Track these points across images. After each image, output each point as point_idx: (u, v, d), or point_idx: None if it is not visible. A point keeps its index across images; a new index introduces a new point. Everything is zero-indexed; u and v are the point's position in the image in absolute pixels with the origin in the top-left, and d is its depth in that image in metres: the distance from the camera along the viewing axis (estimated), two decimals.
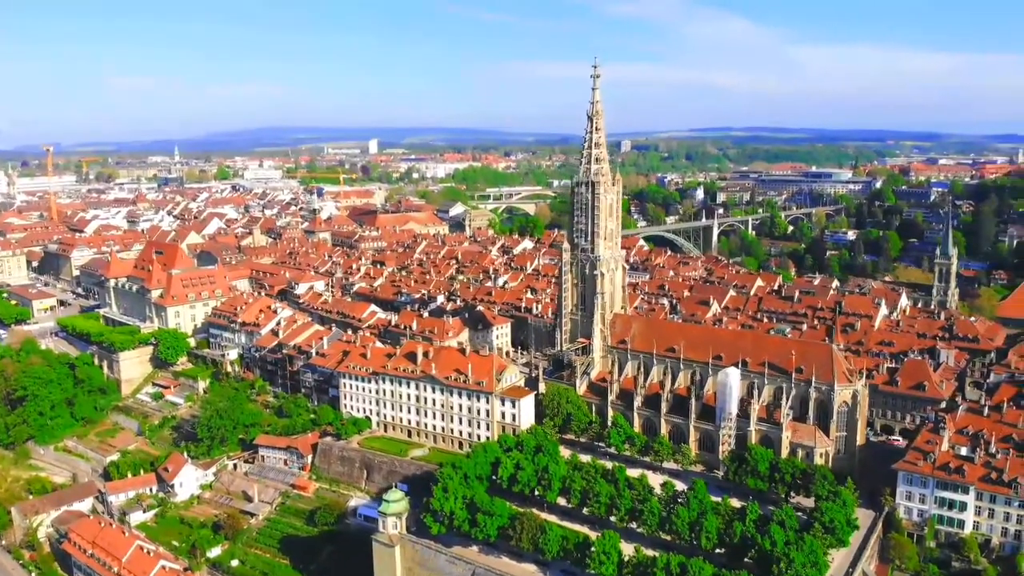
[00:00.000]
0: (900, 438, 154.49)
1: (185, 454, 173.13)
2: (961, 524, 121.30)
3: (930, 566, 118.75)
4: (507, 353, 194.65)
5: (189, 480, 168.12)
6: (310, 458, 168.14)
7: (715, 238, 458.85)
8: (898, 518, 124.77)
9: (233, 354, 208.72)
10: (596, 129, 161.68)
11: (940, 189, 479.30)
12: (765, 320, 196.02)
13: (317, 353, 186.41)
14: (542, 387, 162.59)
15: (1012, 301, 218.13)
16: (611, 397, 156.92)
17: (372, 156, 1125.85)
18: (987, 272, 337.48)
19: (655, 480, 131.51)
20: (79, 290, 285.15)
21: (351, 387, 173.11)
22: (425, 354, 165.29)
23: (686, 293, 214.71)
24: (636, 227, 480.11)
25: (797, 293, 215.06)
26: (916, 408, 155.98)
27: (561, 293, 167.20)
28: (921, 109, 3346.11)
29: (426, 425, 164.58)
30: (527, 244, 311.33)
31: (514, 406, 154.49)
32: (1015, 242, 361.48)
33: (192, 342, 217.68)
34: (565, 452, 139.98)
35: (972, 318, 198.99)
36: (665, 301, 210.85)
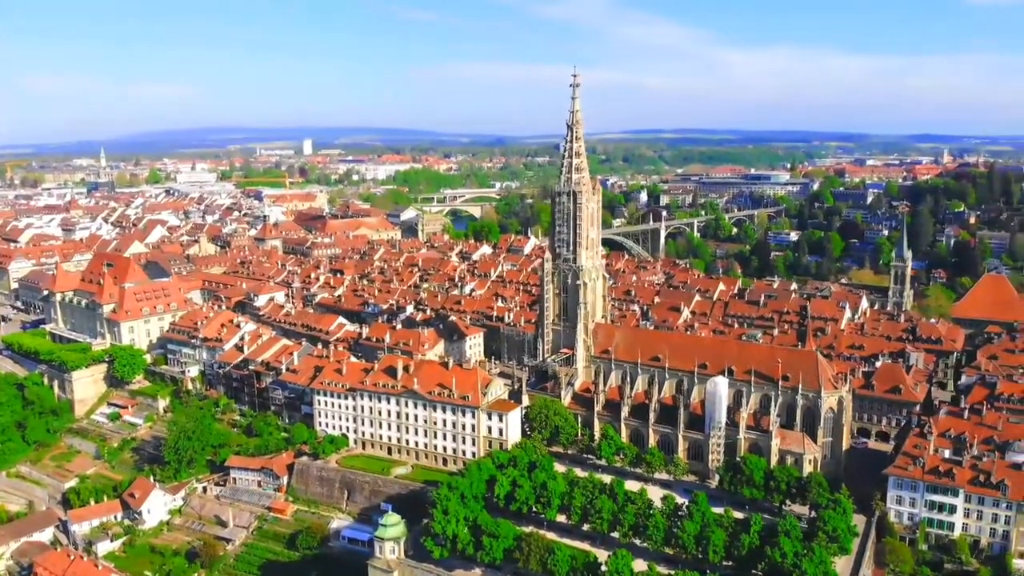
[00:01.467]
0: (867, 440, 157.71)
1: (152, 478, 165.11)
2: (951, 526, 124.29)
3: (923, 569, 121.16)
4: (481, 364, 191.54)
5: (157, 506, 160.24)
6: (286, 479, 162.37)
7: (663, 241, 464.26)
8: (889, 522, 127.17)
9: (194, 371, 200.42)
10: (576, 138, 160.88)
11: (876, 191, 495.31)
12: (736, 326, 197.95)
13: (287, 369, 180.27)
14: (525, 399, 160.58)
15: (967, 302, 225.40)
16: (597, 408, 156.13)
17: (307, 157, 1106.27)
18: (926, 271, 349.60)
19: (649, 491, 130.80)
20: (19, 304, 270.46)
21: (326, 404, 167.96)
22: (406, 368, 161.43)
23: (656, 299, 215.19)
24: None
25: (763, 297, 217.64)
26: (892, 411, 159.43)
27: (543, 303, 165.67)
28: (843, 111, 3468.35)
29: (408, 442, 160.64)
30: (486, 249, 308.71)
31: (501, 420, 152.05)
32: (952, 241, 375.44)
33: (148, 359, 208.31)
34: (558, 467, 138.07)
35: (933, 320, 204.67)
36: (636, 307, 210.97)
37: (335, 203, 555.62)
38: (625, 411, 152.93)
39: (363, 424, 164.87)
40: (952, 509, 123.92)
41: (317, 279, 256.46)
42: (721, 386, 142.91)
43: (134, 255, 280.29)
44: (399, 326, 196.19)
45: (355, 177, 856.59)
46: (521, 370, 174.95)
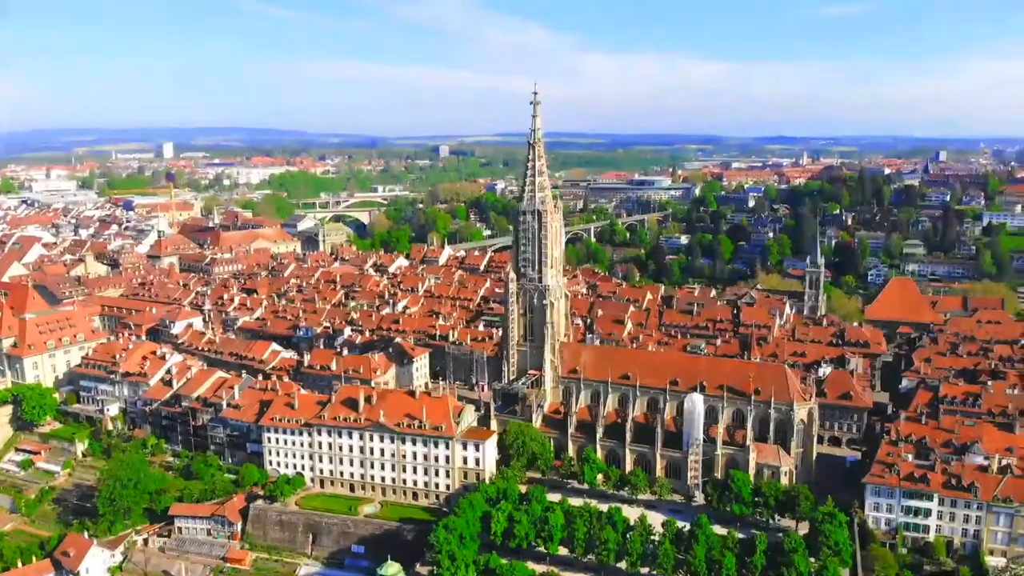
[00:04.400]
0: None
1: (85, 533, 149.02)
2: (926, 529, 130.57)
3: (906, 573, 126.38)
4: (427, 386, 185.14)
5: (96, 564, 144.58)
6: (240, 525, 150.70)
7: (563, 246, 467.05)
8: (869, 529, 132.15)
9: (114, 409, 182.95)
10: (539, 156, 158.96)
11: (756, 194, 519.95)
12: (678, 336, 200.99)
13: (229, 404, 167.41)
14: (494, 425, 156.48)
15: (878, 304, 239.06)
16: (571, 430, 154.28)
17: (169, 160, 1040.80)
18: None
19: (637, 515, 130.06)
20: None
21: (278, 441, 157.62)
22: (368, 399, 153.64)
23: (600, 312, 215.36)
24: (482, 238, 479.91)
25: (696, 306, 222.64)
26: (843, 417, 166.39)
27: (508, 324, 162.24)
28: (698, 115, 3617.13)
29: (373, 477, 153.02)
30: (402, 262, 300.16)
31: (477, 449, 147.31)
32: (833, 242, 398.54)
33: (57, 397, 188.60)
34: (550, 497, 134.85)
35: (856, 323, 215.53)
36: (579, 322, 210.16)
37: (213, 211, 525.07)
38: (600, 431, 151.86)
39: (321, 461, 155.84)
40: (927, 513, 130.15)
41: (231, 300, 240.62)
42: (698, 403, 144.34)
43: (15, 278, 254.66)
44: (345, 351, 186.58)
45: (226, 182, 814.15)
46: (484, 391, 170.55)
